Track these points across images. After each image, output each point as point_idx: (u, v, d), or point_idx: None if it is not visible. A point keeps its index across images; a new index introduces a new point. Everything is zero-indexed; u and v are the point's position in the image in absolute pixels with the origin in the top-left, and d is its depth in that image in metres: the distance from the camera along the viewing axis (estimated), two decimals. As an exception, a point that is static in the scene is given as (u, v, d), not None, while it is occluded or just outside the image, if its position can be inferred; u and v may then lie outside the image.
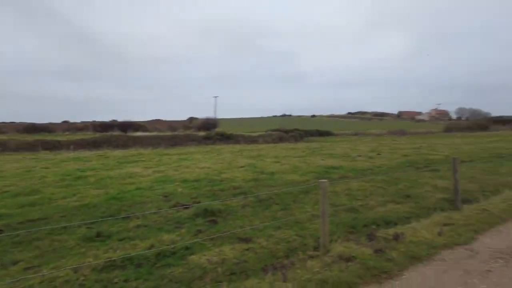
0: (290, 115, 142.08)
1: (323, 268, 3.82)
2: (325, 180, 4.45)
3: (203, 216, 6.29)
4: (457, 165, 6.70)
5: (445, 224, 5.47)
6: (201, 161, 16.14)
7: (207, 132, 37.13)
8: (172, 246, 4.73)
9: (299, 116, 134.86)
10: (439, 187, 8.76)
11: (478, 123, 66.15)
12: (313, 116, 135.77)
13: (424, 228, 5.24)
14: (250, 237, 5.08)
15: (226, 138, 33.78)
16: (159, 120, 77.84)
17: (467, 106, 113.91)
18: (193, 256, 4.43)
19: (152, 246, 4.77)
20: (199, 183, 9.86)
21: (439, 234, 5.01)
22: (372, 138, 43.71)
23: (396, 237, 4.80)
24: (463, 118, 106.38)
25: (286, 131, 42.12)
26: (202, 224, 5.92)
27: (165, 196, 8.17)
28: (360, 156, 17.74)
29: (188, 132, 37.77)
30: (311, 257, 4.21)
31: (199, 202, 7.24)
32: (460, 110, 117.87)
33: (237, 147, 27.46)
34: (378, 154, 18.77)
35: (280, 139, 37.52)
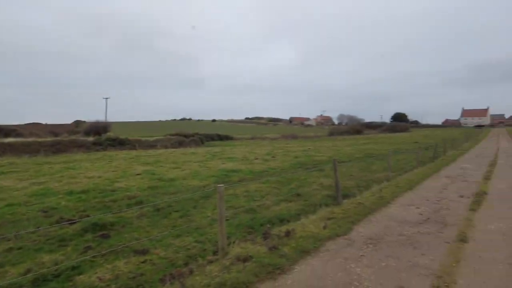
0: (190, 119, 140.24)
1: (221, 271, 3.91)
2: (222, 185, 4.57)
3: (93, 230, 5.76)
4: (337, 165, 7.67)
5: (328, 218, 6.21)
6: (90, 169, 14.65)
7: (97, 137, 33.69)
8: (55, 267, 4.20)
9: (199, 121, 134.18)
10: (325, 185, 9.87)
11: (354, 128, 77.02)
12: (214, 120, 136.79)
13: (312, 223, 5.85)
14: (147, 249, 4.87)
15: (119, 143, 31.18)
16: (37, 123, 67.98)
17: (346, 113, 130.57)
18: (81, 276, 4.02)
19: (28, 271, 4.14)
20: (87, 195, 8.95)
21: (324, 227, 5.65)
22: (268, 142, 46.35)
23: (288, 234, 5.22)
24: (343, 124, 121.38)
25: (186, 136, 41.33)
26: (91, 239, 5.41)
27: (45, 212, 7.17)
28: (257, 159, 18.68)
29: (74, 137, 33.60)
30: (210, 262, 4.26)
31: (87, 216, 6.58)
32: (341, 117, 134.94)
33: (133, 153, 25.75)
34: (273, 157, 20.09)
35: (180, 144, 36.57)
